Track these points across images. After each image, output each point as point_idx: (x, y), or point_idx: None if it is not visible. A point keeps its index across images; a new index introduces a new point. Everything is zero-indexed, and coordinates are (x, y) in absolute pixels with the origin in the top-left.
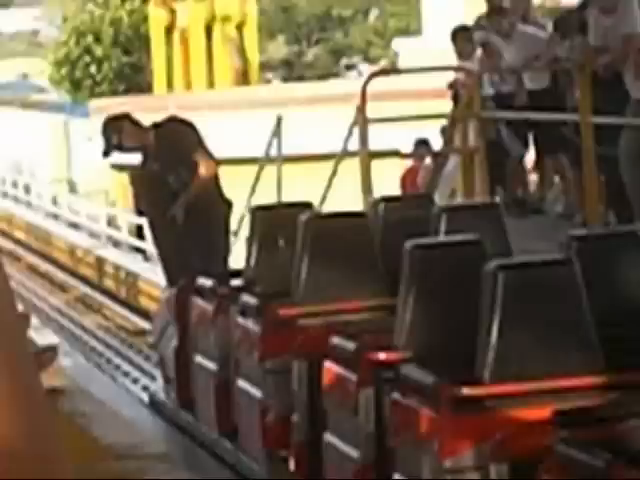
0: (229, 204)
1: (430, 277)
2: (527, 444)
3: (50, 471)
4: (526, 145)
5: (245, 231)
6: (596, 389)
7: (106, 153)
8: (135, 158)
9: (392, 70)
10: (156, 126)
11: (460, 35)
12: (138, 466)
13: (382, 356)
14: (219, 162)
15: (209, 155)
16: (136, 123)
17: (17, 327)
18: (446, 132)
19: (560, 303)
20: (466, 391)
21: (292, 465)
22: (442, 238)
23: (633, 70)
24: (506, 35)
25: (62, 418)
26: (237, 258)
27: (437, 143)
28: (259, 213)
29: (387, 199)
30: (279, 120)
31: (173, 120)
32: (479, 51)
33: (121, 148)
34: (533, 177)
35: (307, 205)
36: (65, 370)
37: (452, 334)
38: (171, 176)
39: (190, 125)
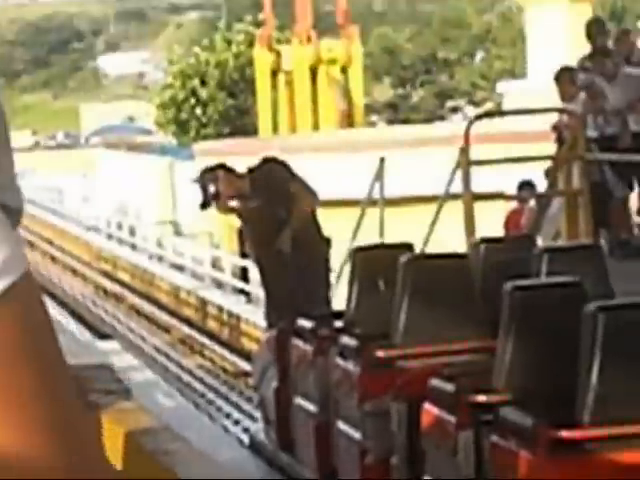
0: (328, 242)
1: (530, 318)
2: None
3: None
4: (630, 187)
5: (347, 272)
6: None
7: (204, 205)
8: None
9: (496, 112)
10: (251, 171)
11: (564, 76)
12: None
13: (481, 398)
14: (318, 197)
15: (307, 188)
16: (231, 171)
17: (56, 357)
18: (550, 174)
19: None
20: (565, 434)
21: None
22: (543, 279)
23: None
24: (610, 77)
25: (144, 457)
26: (339, 300)
27: (541, 185)
28: (360, 254)
29: (488, 240)
30: (382, 162)
31: (266, 161)
32: (583, 93)
33: (219, 198)
34: (638, 219)
35: (408, 246)
36: (162, 409)
37: (552, 376)
38: (271, 211)
39: (283, 163)
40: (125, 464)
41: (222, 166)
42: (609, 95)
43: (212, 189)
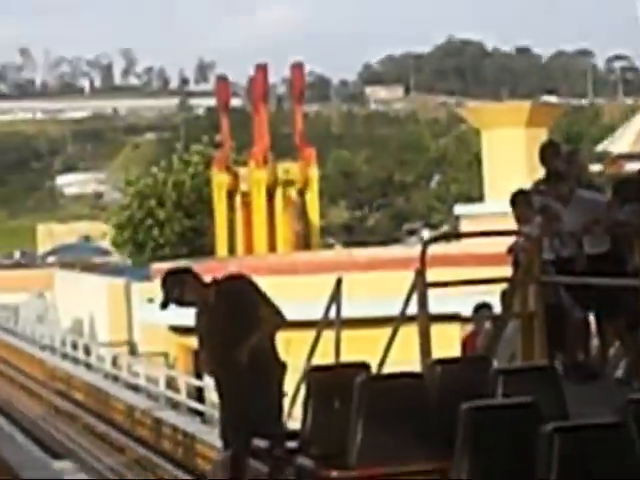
0: (284, 366)
1: (485, 439)
2: None
3: None
4: (587, 309)
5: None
6: None
7: (164, 305)
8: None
9: (451, 234)
10: (217, 282)
11: (519, 199)
12: None
13: None
14: (285, 319)
15: (277, 311)
16: (197, 277)
17: None
18: (506, 296)
19: (615, 466)
20: None
21: None
22: (498, 400)
23: None
24: (566, 200)
25: None
26: (294, 421)
27: (498, 308)
28: (315, 374)
29: (444, 361)
30: (339, 282)
31: (234, 277)
32: (538, 216)
33: (181, 302)
34: (594, 342)
35: (364, 366)
36: None
37: None
38: (233, 325)
39: (250, 281)
40: None
41: (188, 270)
42: (565, 218)
43: (176, 292)
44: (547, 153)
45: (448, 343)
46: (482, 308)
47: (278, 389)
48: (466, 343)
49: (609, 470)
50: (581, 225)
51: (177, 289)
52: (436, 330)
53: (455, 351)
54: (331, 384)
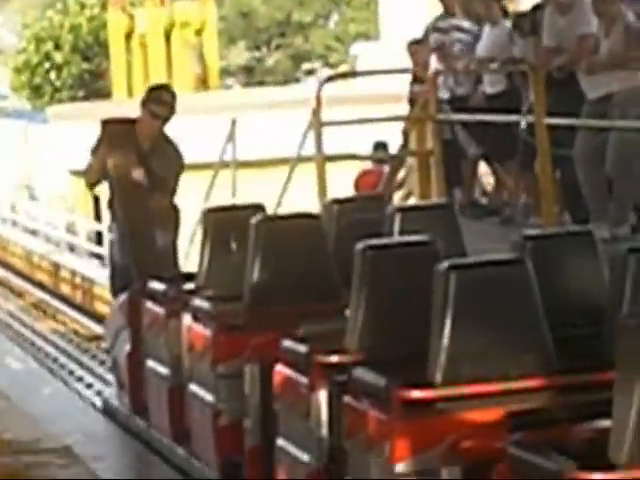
0: (177, 209)
1: (382, 278)
2: (479, 447)
3: None
4: (483, 147)
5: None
6: (549, 391)
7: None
8: None
9: (347, 74)
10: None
11: (414, 48)
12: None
13: (334, 359)
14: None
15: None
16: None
17: None
18: (402, 134)
19: (513, 303)
20: (417, 394)
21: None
22: (395, 239)
23: (586, 70)
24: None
25: None
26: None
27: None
28: (212, 215)
29: (341, 201)
30: (234, 124)
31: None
32: (434, 55)
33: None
34: (490, 179)
35: (260, 207)
36: (14, 373)
37: (405, 336)
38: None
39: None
40: None
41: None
42: (484, 38)
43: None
44: None
45: (345, 184)
46: (380, 147)
47: (173, 232)
48: (359, 182)
49: (506, 307)
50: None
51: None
52: (336, 170)
53: (351, 192)
54: (227, 225)
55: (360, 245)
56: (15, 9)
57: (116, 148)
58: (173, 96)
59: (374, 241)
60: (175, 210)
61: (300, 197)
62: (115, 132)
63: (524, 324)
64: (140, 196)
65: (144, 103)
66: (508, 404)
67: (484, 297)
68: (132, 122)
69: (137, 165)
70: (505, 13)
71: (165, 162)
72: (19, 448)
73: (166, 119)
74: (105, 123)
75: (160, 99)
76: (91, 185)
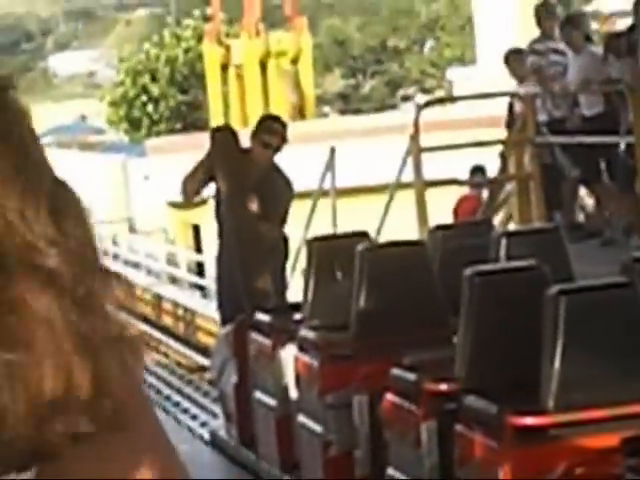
0: (286, 239)
1: (490, 304)
2: (594, 474)
3: None
4: (582, 169)
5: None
6: None
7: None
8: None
9: (445, 99)
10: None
11: (513, 58)
12: None
13: (443, 387)
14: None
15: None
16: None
17: None
18: (501, 158)
19: (624, 327)
20: (530, 420)
21: None
22: (502, 264)
23: None
24: (577, 48)
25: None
26: (294, 292)
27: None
28: (316, 244)
29: (445, 227)
30: (332, 152)
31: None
32: (532, 77)
33: None
34: (590, 200)
35: (364, 235)
36: None
37: (514, 362)
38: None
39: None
40: None
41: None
42: (571, 67)
43: None
44: (542, 13)
45: (445, 209)
46: (477, 171)
47: (282, 262)
48: (458, 208)
49: (617, 331)
50: (584, 78)
51: None
52: (435, 196)
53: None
54: (332, 254)
55: (467, 271)
56: (111, 43)
57: (228, 167)
58: (284, 126)
59: (481, 267)
60: (284, 240)
61: (399, 223)
62: (226, 141)
63: (636, 347)
64: (253, 226)
65: (255, 133)
66: (621, 429)
67: (595, 321)
68: (244, 151)
69: (252, 194)
70: (587, 38)
71: (276, 192)
72: None
73: (277, 148)
74: (215, 131)
75: (271, 129)
76: (189, 195)
